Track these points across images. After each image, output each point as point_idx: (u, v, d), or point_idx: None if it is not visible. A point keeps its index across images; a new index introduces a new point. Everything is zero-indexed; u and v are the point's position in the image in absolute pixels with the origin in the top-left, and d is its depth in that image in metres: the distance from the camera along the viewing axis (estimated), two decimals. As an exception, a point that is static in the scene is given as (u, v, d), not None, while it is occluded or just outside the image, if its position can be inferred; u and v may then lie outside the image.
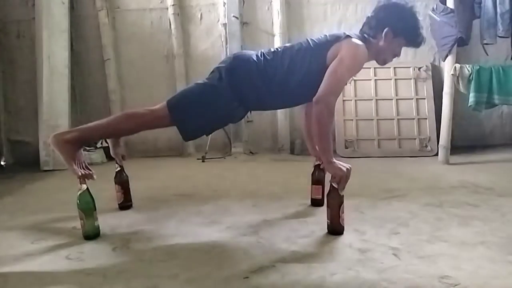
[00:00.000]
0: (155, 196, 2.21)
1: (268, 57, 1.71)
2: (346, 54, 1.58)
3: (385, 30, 1.65)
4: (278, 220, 1.75)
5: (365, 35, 1.71)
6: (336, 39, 1.66)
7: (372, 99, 3.51)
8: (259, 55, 1.73)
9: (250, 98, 1.72)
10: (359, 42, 1.64)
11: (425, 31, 3.54)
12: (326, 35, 1.72)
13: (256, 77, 1.68)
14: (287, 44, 1.81)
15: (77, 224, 1.61)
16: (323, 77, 1.56)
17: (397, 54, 1.74)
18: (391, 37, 1.67)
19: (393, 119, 3.46)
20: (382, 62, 1.76)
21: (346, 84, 1.72)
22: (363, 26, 1.74)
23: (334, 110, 1.55)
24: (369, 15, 1.75)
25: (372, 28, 1.69)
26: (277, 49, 1.76)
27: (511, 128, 3.73)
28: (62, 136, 1.62)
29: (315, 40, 1.71)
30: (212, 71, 1.76)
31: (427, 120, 3.42)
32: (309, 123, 1.90)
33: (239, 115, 1.81)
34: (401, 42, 1.70)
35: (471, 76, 2.84)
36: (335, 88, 1.55)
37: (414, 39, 1.70)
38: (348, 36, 1.65)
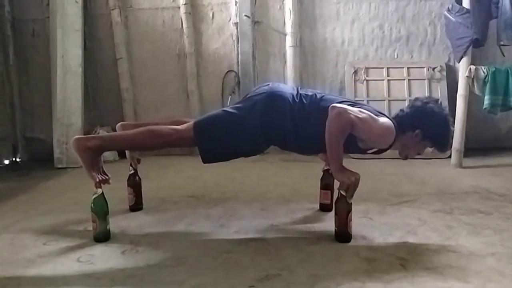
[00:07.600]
0: (165, 197, 2.24)
1: (304, 101, 1.70)
2: (382, 123, 1.59)
3: (416, 131, 1.65)
4: (285, 225, 1.75)
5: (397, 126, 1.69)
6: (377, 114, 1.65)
7: (384, 100, 3.47)
8: (295, 96, 1.72)
9: (277, 138, 1.74)
10: (393, 130, 1.61)
11: (440, 31, 3.47)
12: (373, 108, 1.70)
13: (288, 121, 1.67)
14: (328, 94, 1.77)
15: (88, 225, 1.64)
16: (352, 137, 1.57)
17: (421, 153, 1.75)
18: (420, 139, 1.66)
19: (406, 120, 3.41)
20: (404, 157, 1.75)
21: (357, 135, 1.63)
22: (396, 116, 1.73)
23: (347, 126, 1.51)
24: (405, 109, 1.73)
25: (405, 124, 1.67)
26: (315, 94, 1.73)
27: (527, 130, 3.65)
28: (84, 141, 1.64)
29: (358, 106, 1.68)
30: (244, 100, 1.78)
31: (441, 122, 3.36)
32: None
33: (261, 149, 1.84)
34: (428, 144, 1.70)
35: (487, 78, 2.78)
36: (355, 115, 1.52)
37: (442, 147, 1.72)
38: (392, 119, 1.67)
